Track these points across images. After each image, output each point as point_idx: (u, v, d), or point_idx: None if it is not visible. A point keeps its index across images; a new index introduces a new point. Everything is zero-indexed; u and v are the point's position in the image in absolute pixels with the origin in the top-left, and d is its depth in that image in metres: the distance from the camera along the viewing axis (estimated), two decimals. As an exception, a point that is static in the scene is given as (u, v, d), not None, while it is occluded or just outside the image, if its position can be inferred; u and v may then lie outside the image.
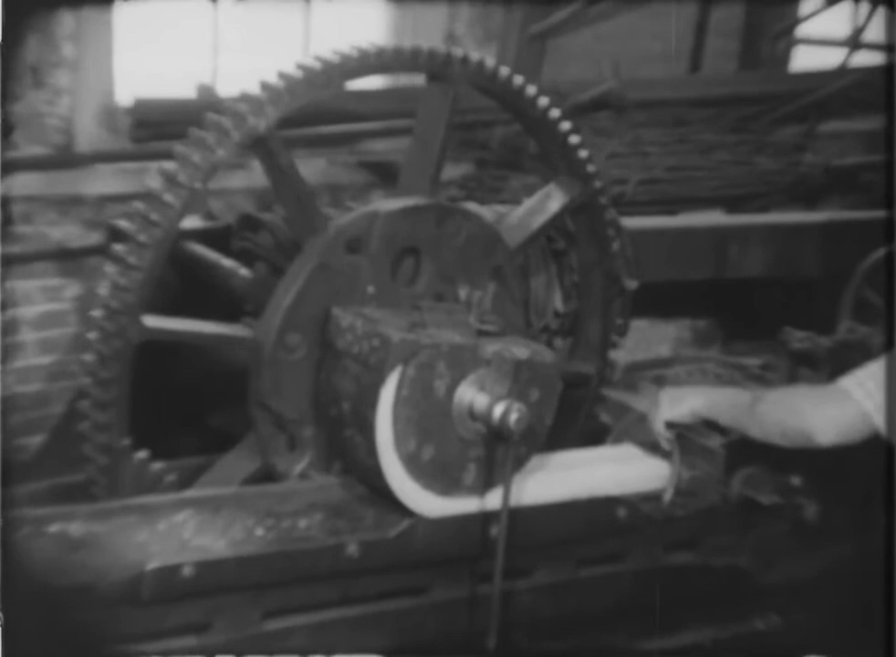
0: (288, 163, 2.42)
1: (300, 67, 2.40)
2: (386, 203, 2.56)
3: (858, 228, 4.11)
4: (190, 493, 2.28)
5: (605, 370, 2.99)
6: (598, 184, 2.87)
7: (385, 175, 4.99)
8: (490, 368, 2.24)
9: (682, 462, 2.51)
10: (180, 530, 2.07)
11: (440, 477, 2.25)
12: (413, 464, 2.22)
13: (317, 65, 2.41)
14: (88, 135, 4.26)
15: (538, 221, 2.80)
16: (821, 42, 6.55)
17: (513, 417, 2.18)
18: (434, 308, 2.42)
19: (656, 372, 3.50)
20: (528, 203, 2.84)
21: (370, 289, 2.45)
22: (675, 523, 2.51)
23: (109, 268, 2.27)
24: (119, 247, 2.26)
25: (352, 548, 2.15)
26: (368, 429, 2.21)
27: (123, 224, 2.34)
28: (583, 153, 2.82)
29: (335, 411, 2.33)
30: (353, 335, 2.31)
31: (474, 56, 2.63)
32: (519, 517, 2.26)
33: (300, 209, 2.46)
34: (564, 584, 2.41)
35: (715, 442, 2.54)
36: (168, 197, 2.26)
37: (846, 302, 3.42)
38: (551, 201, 2.82)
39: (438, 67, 2.58)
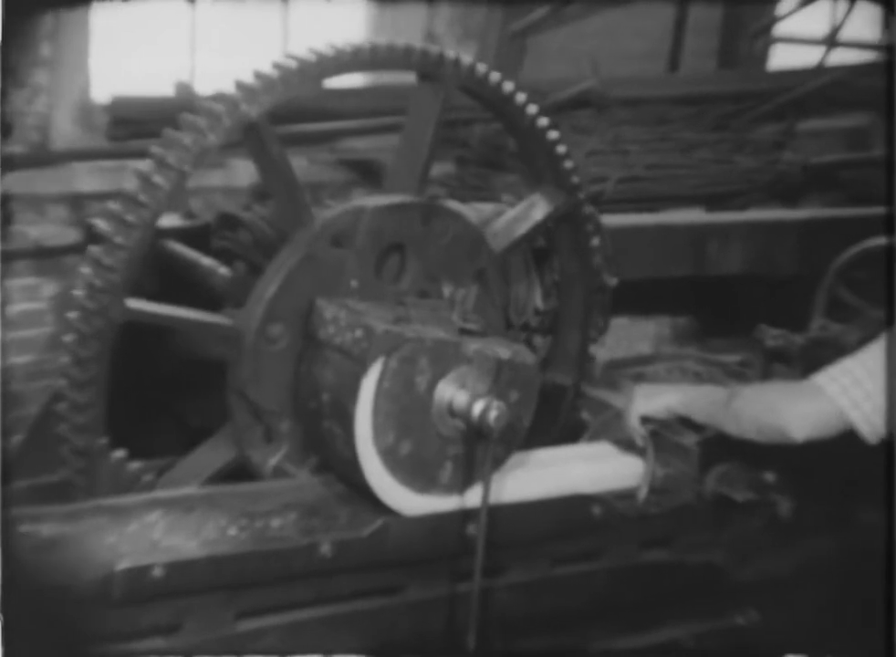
0: (279, 153, 2.41)
1: (294, 58, 2.39)
2: (373, 199, 2.56)
3: (837, 226, 4.12)
4: (161, 493, 2.26)
5: (581, 383, 2.98)
6: (582, 196, 2.88)
7: (366, 173, 4.99)
8: (472, 365, 2.24)
9: (657, 459, 2.51)
10: (150, 531, 2.05)
11: (417, 474, 2.24)
12: (391, 459, 2.21)
13: (311, 57, 2.40)
14: (65, 133, 4.25)
15: (522, 228, 2.79)
16: (799, 40, 6.58)
17: (493, 414, 2.17)
18: (418, 304, 2.41)
19: (636, 370, 3.51)
20: (513, 211, 2.84)
21: (354, 284, 2.44)
22: (650, 520, 2.50)
23: (94, 249, 2.25)
24: (105, 226, 2.25)
25: (325, 548, 2.12)
26: (347, 420, 2.20)
27: (101, 221, 2.33)
28: (569, 164, 2.82)
29: (314, 403, 2.32)
30: (336, 326, 2.30)
31: (466, 58, 2.62)
32: (493, 515, 2.25)
33: (289, 200, 2.44)
34: (538, 582, 2.39)
35: (690, 439, 2.54)
36: (157, 179, 2.25)
37: (819, 300, 3.43)
38: (535, 210, 2.81)
39: (430, 67, 2.57)
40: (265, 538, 2.10)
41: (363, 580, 2.21)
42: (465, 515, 2.27)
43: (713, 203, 5.39)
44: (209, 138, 2.28)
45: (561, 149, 2.81)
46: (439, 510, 2.27)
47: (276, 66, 2.36)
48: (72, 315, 2.25)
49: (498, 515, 2.26)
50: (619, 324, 4.11)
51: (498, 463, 2.30)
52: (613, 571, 2.48)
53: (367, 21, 5.23)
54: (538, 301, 3.12)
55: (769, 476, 2.59)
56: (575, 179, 2.83)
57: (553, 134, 2.78)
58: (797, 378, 2.86)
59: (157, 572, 1.96)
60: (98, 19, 4.28)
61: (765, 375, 3.03)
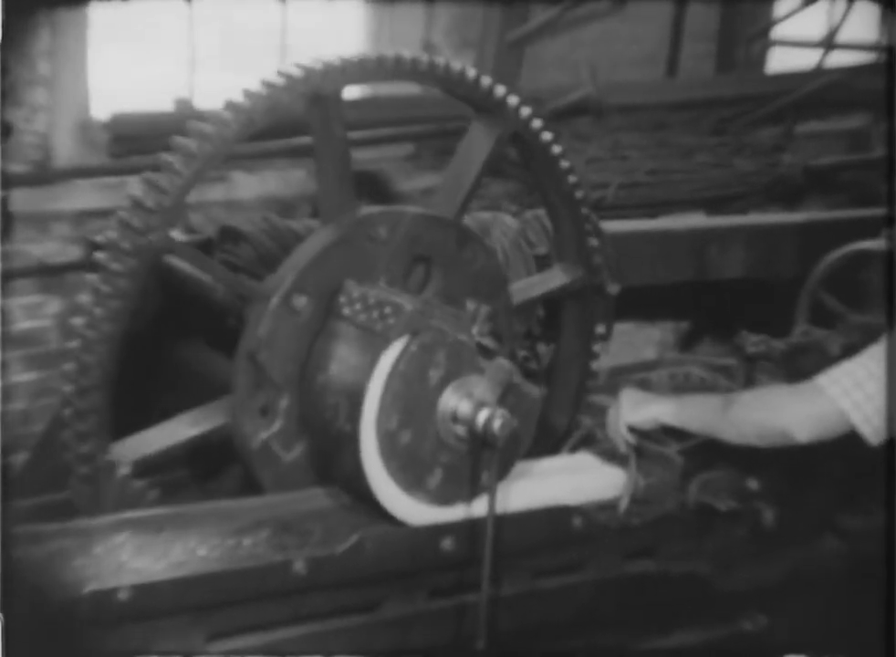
0: (341, 132, 2.46)
1: (371, 55, 2.47)
2: (416, 208, 2.62)
3: (837, 228, 4.12)
4: (129, 514, 2.21)
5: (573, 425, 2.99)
6: (598, 279, 2.96)
7: (368, 184, 4.99)
8: (484, 375, 2.25)
9: (639, 469, 2.49)
10: (118, 552, 2.01)
11: (407, 469, 2.22)
12: (387, 444, 2.20)
13: (390, 56, 2.48)
14: (66, 151, 4.25)
15: (538, 291, 2.90)
16: (797, 43, 6.58)
17: (497, 423, 2.18)
18: (443, 308, 2.41)
19: (640, 376, 3.50)
20: (535, 277, 2.99)
21: (382, 281, 2.47)
22: (633, 531, 2.47)
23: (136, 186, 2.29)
24: (151, 174, 2.29)
25: (299, 565, 2.08)
26: (356, 394, 2.20)
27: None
28: (594, 242, 2.92)
29: (322, 377, 2.31)
30: (364, 303, 2.33)
31: (528, 108, 2.68)
32: (473, 529, 2.24)
33: (338, 182, 2.48)
34: (521, 595, 2.35)
35: (672, 449, 2.53)
36: (225, 118, 2.30)
37: (802, 305, 3.42)
38: (553, 279, 2.92)
39: (493, 106, 2.64)
40: (237, 557, 2.06)
41: (339, 598, 2.17)
42: (441, 530, 2.24)
43: (713, 206, 5.39)
44: (282, 98, 2.35)
45: (592, 228, 2.89)
46: (416, 519, 2.24)
47: (357, 57, 2.45)
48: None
49: (478, 528, 2.24)
50: (624, 330, 4.12)
51: (481, 488, 2.29)
52: (597, 583, 2.45)
53: (365, 29, 5.24)
54: (540, 309, 3.13)
55: (752, 485, 2.57)
56: (596, 259, 2.92)
57: (586, 211, 2.87)
58: (778, 384, 2.86)
59: (122, 595, 1.92)
60: (97, 36, 4.29)
61: (747, 382, 3.02)
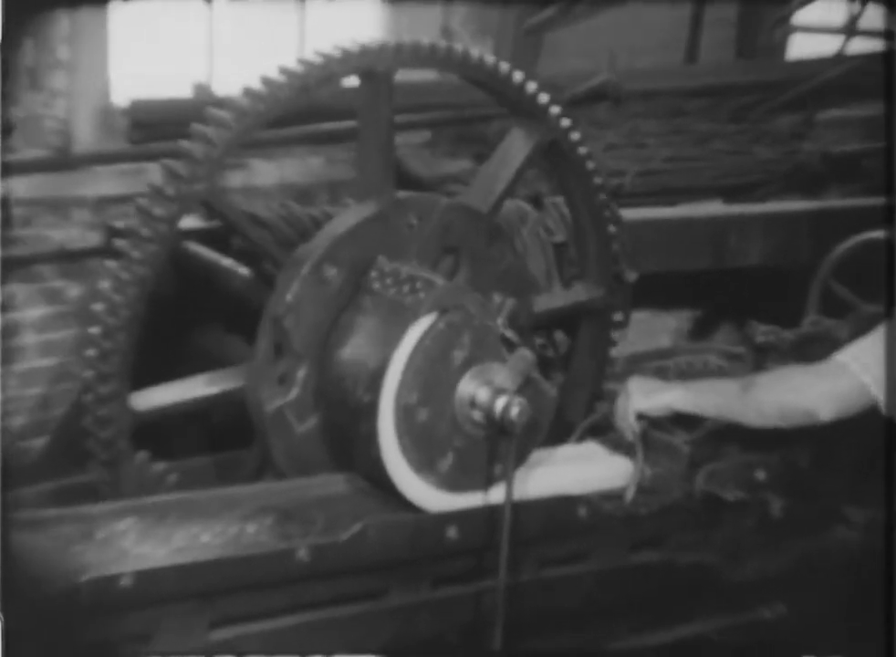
0: (388, 112, 2.50)
1: (425, 42, 2.51)
2: (454, 198, 2.67)
3: (857, 216, 4.10)
4: (133, 501, 2.21)
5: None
6: (618, 301, 3.00)
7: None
8: (507, 363, 2.25)
9: (646, 459, 2.47)
10: (120, 539, 2.00)
11: (420, 448, 2.22)
12: (404, 418, 2.19)
13: (442, 46, 2.53)
14: (86, 137, 4.27)
15: (558, 303, 2.94)
16: (818, 30, 6.54)
17: (515, 410, 2.18)
18: (472, 294, 2.42)
19: (657, 363, 3.50)
20: (557, 291, 3.02)
21: (413, 263, 2.50)
22: (639, 521, 2.44)
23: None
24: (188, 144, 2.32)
25: (302, 553, 2.06)
26: (380, 365, 2.20)
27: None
28: (617, 265, 2.97)
29: (346, 348, 2.32)
30: (395, 278, 2.35)
31: (568, 119, 2.72)
32: (477, 518, 2.23)
33: (380, 161, 2.51)
34: (526, 585, 2.32)
35: (679, 438, 2.51)
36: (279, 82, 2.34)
37: (812, 295, 3.41)
38: (575, 294, 2.97)
39: (536, 112, 2.68)
40: (240, 544, 2.05)
41: (342, 586, 2.16)
42: (444, 519, 2.23)
43: (731, 194, 5.37)
44: (333, 68, 2.39)
45: (615, 246, 2.93)
46: (423, 502, 2.24)
47: (412, 42, 2.48)
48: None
49: (482, 517, 2.24)
50: (641, 318, 4.11)
51: (492, 481, 2.29)
52: (603, 573, 2.43)
53: (383, 18, 5.23)
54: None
55: (760, 475, 2.56)
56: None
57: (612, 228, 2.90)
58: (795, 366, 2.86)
59: (125, 582, 1.91)
60: (117, 22, 4.31)
61: (756, 371, 3.01)
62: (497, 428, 2.22)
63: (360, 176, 2.56)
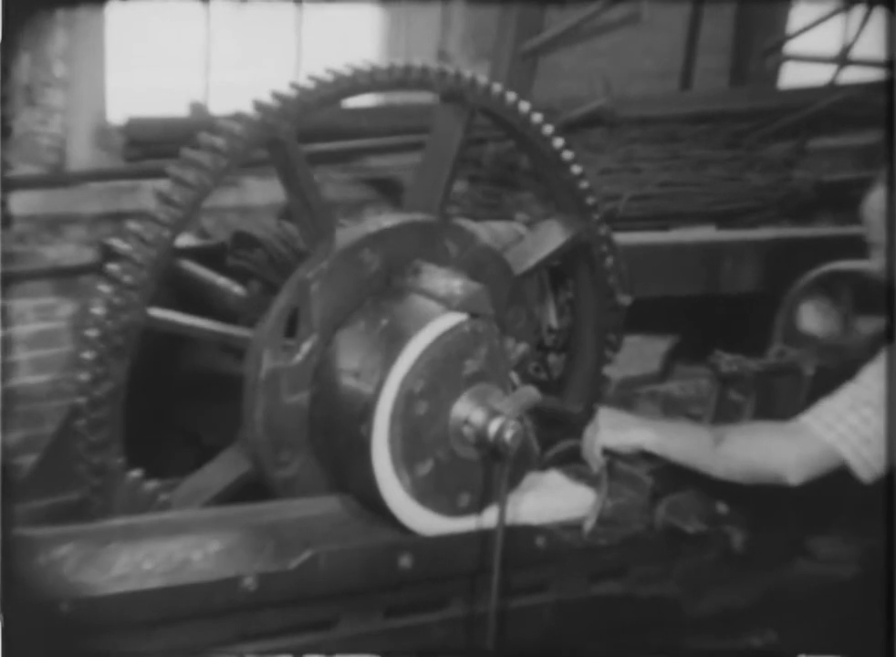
0: (463, 137, 2.61)
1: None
2: (485, 233, 2.72)
3: (849, 243, 4.12)
4: (73, 527, 2.14)
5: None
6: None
7: (383, 191, 5.01)
8: (511, 394, 2.25)
9: (609, 490, 2.46)
10: (59, 565, 1.94)
11: (409, 443, 2.20)
12: (403, 405, 2.18)
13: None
14: (82, 154, 4.27)
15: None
16: (811, 58, 6.58)
17: (509, 433, 2.18)
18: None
19: (650, 388, 3.50)
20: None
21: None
22: (599, 552, 2.42)
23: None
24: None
25: (248, 581, 2.00)
26: (398, 340, 2.20)
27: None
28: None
29: (363, 327, 2.29)
30: (430, 275, 2.37)
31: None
32: (433, 547, 2.20)
33: (441, 179, 2.58)
34: (480, 616, 2.24)
35: (641, 469, 2.50)
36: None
37: (778, 326, 3.40)
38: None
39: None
40: (183, 572, 1.99)
41: (291, 615, 2.09)
42: (396, 547, 2.19)
43: (724, 220, 5.39)
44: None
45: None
46: (393, 505, 2.20)
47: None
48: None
49: (438, 546, 2.21)
50: (633, 342, 4.12)
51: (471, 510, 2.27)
52: (562, 604, 2.39)
53: (381, 40, 5.25)
54: (552, 320, 3.13)
55: (722, 507, 2.54)
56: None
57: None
58: (751, 405, 2.86)
59: (64, 608, 1.86)
60: (113, 38, 4.31)
61: (720, 400, 3.01)
62: (489, 449, 2.21)
63: (416, 188, 2.62)
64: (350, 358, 2.27)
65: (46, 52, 4.05)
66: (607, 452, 2.48)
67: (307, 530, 2.17)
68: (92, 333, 2.26)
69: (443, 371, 2.21)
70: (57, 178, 4.16)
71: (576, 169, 2.85)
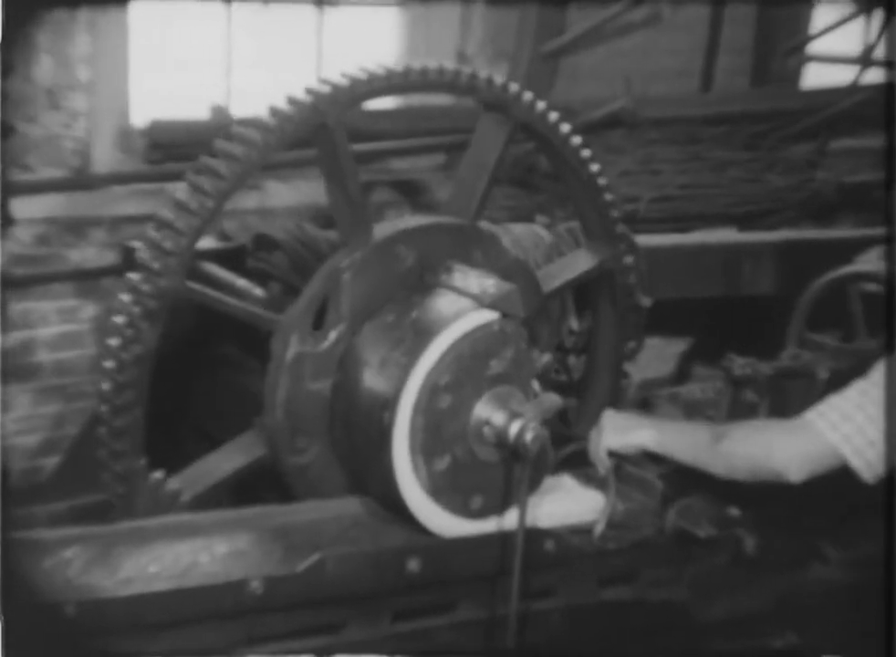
0: (504, 147, 2.65)
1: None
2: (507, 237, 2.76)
3: (869, 245, 4.10)
4: (80, 529, 2.13)
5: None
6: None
7: (406, 193, 5.02)
8: (533, 400, 2.25)
9: (618, 493, 2.45)
10: (65, 568, 1.93)
11: (426, 435, 2.20)
12: (427, 396, 2.18)
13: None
14: (105, 157, 4.29)
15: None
16: (832, 59, 6.55)
17: (529, 435, 2.18)
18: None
19: (671, 390, 3.50)
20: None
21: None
22: (609, 556, 2.39)
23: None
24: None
25: (255, 585, 2.00)
26: (427, 332, 2.20)
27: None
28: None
29: (393, 319, 2.30)
30: (463, 274, 2.38)
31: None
32: (441, 551, 2.19)
33: (479, 186, 2.62)
34: (488, 620, 2.24)
35: (652, 473, 2.49)
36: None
37: (793, 329, 3.38)
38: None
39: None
40: (190, 575, 1.98)
41: (298, 619, 2.09)
42: (405, 551, 2.18)
43: (745, 222, 5.37)
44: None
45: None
46: (407, 498, 2.19)
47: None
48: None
49: (446, 550, 2.20)
50: (653, 344, 4.11)
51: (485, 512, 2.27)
52: (571, 609, 2.37)
53: (401, 42, 5.26)
54: (572, 321, 3.13)
55: (733, 511, 2.53)
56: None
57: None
58: (764, 407, 2.84)
59: (69, 611, 1.86)
60: (136, 41, 4.33)
61: (734, 403, 3.00)
62: (509, 450, 2.22)
63: (454, 194, 2.65)
64: (377, 349, 2.28)
65: (69, 55, 4.07)
66: (612, 454, 2.47)
67: (315, 533, 2.16)
68: (127, 297, 2.26)
69: (469, 368, 2.22)
70: (79, 181, 4.19)
71: (608, 196, 2.88)
